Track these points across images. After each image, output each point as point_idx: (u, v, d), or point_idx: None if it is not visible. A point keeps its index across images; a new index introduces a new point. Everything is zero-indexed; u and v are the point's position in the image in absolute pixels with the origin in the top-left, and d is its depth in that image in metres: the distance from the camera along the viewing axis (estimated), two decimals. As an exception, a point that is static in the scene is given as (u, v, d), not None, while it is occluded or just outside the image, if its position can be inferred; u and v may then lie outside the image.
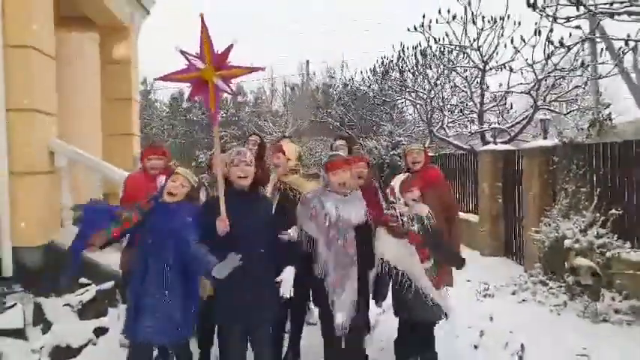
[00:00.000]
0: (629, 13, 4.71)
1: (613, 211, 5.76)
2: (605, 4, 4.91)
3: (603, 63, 8.90)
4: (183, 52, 3.13)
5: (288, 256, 3.33)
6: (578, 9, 5.02)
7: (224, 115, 35.34)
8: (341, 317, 3.27)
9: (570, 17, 5.07)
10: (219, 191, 3.19)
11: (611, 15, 4.85)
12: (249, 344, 3.35)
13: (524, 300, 6.01)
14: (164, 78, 3.19)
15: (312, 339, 4.14)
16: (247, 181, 3.28)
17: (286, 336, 4.20)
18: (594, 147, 6.26)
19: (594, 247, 5.69)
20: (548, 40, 6.89)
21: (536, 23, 6.18)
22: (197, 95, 3.18)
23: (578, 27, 5.42)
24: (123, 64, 8.55)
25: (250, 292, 3.16)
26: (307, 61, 31.78)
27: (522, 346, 4.42)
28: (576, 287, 5.69)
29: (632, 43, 5.92)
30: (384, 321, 4.75)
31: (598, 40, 9.49)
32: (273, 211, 3.67)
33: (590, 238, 5.77)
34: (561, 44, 6.15)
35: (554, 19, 5.48)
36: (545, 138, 7.29)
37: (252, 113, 32.08)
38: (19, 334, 4.09)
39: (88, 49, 8.45)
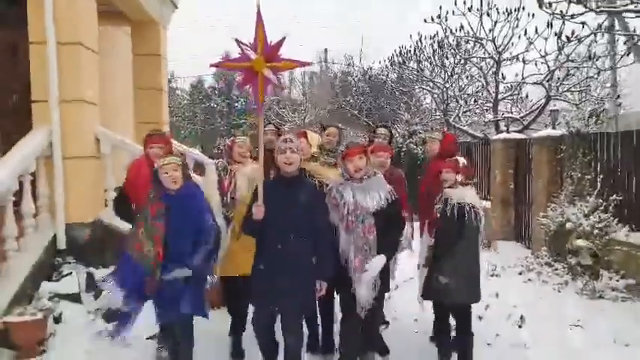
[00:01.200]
0: (632, 11, 5.04)
1: (614, 197, 6.14)
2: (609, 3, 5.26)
3: (618, 54, 9.12)
4: (238, 42, 3.18)
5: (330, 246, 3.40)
6: (585, 5, 5.33)
7: (244, 102, 35.91)
8: (363, 299, 3.39)
9: (574, 14, 5.43)
10: (258, 180, 3.29)
11: (614, 13, 5.20)
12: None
13: (529, 280, 6.44)
14: (218, 64, 3.34)
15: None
16: (293, 167, 3.33)
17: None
18: (598, 137, 6.62)
19: (595, 230, 6.09)
20: (557, 35, 7.20)
21: (549, 15, 6.48)
22: (247, 84, 3.25)
23: (583, 23, 5.78)
24: (153, 56, 9.02)
25: (286, 277, 3.22)
26: (325, 50, 31.89)
27: (522, 317, 4.87)
28: (578, 268, 6.09)
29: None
30: (399, 295, 5.25)
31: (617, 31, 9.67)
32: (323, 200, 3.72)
33: (592, 222, 6.16)
34: (568, 39, 6.48)
35: (562, 15, 5.85)
36: (554, 128, 7.60)
37: (271, 101, 32.50)
38: (75, 298, 4.65)
39: (121, 41, 8.96)
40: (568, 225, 6.30)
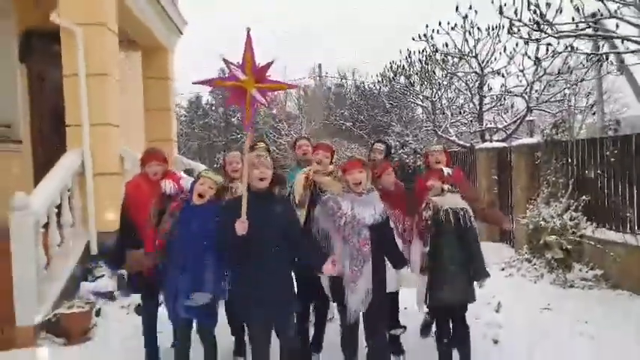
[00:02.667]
0: (587, 36, 5.81)
1: (583, 197, 6.88)
2: (567, 27, 6.06)
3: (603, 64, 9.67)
4: (226, 61, 3.28)
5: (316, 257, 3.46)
6: (544, 32, 6.11)
7: (239, 118, 36.61)
8: (354, 306, 3.49)
9: (538, 39, 6.20)
10: (242, 193, 3.26)
11: (571, 37, 5.99)
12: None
13: (510, 274, 7.15)
14: (206, 82, 3.36)
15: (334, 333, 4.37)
16: (265, 183, 3.36)
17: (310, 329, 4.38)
18: (569, 144, 7.37)
19: (567, 227, 6.81)
20: (527, 55, 8.00)
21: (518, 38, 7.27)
22: (234, 103, 3.36)
23: (548, 44, 6.54)
24: (161, 79, 9.80)
25: (267, 291, 3.26)
26: (319, 65, 32.75)
27: (499, 303, 5.56)
28: (553, 262, 6.81)
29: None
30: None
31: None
32: (305, 216, 3.93)
33: (565, 220, 6.89)
34: (537, 59, 7.27)
35: (528, 40, 6.64)
36: (531, 136, 8.36)
37: (267, 115, 33.10)
38: (110, 296, 5.34)
39: (134, 66, 9.71)
40: (543, 224, 7.03)
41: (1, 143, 6.30)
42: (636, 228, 5.86)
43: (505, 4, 7.04)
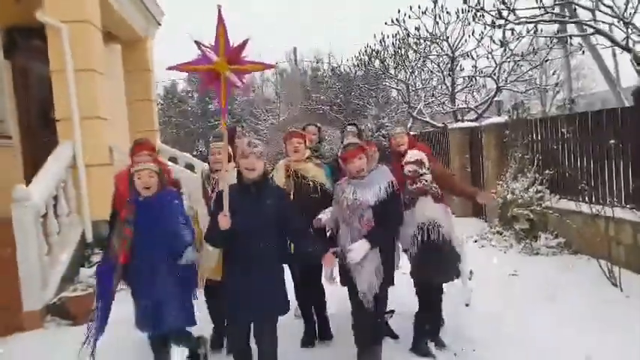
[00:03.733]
0: (546, 21, 6.27)
1: (547, 172, 7.39)
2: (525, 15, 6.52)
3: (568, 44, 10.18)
4: (197, 43, 3.09)
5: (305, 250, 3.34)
6: (506, 19, 6.54)
7: (216, 104, 36.55)
8: (362, 288, 3.45)
9: (501, 25, 6.64)
10: (224, 185, 3.15)
11: (530, 22, 6.43)
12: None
13: (482, 246, 7.66)
14: (176, 67, 3.15)
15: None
16: (255, 174, 3.18)
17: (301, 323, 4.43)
18: (534, 122, 7.86)
19: (533, 200, 7.33)
20: (492, 40, 8.45)
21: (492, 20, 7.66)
22: (208, 87, 3.15)
23: (512, 29, 7.00)
24: (141, 70, 10.01)
25: (255, 286, 3.13)
26: (295, 48, 32.88)
27: (471, 271, 6.01)
28: (521, 232, 7.33)
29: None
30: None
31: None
32: (290, 201, 3.72)
33: (531, 194, 7.41)
34: (502, 43, 7.71)
35: (492, 25, 7.07)
36: (499, 115, 8.84)
37: (244, 102, 33.04)
38: (108, 280, 5.70)
39: (114, 59, 9.88)
40: (511, 198, 7.54)
41: (-6, 139, 6.50)
42: (593, 198, 6.37)
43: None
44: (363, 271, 3.45)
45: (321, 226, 3.81)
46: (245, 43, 3.08)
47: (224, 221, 3.05)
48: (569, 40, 8.64)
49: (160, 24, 10.47)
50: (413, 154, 4.01)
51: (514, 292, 5.37)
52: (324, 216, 3.80)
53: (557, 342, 4.07)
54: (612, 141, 5.68)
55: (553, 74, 12.09)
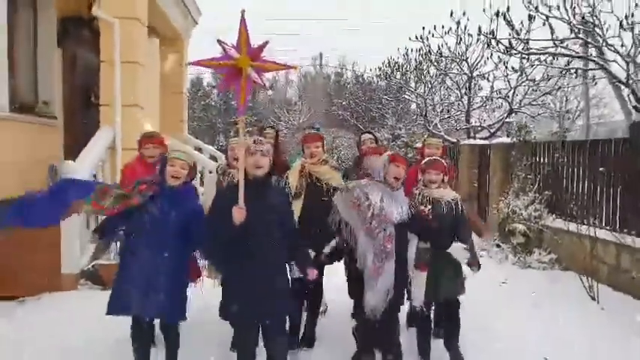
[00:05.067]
0: (551, 54, 6.78)
1: (545, 192, 7.88)
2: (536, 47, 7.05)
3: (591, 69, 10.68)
4: (220, 42, 3.14)
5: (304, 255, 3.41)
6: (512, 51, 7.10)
7: (237, 100, 37.17)
8: (372, 303, 3.39)
9: (516, 53, 7.17)
10: (239, 180, 3.12)
11: (538, 54, 6.96)
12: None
13: (480, 256, 8.11)
14: (198, 63, 3.23)
15: (326, 325, 4.57)
16: (262, 172, 3.20)
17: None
18: (537, 145, 8.35)
19: (531, 218, 7.82)
20: (504, 64, 8.98)
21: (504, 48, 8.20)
22: (229, 84, 3.19)
23: (524, 57, 7.50)
24: (177, 65, 10.70)
25: (261, 284, 3.10)
26: (320, 54, 33.50)
27: (465, 277, 6.55)
28: (517, 247, 7.83)
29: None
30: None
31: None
32: (302, 204, 3.88)
33: (530, 211, 7.90)
34: (514, 70, 8.24)
35: (506, 51, 7.61)
36: (508, 137, 9.33)
37: (268, 101, 33.58)
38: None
39: (152, 52, 10.57)
40: (511, 214, 8.04)
41: (42, 118, 7.16)
42: (584, 220, 6.84)
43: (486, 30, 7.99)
44: (377, 287, 3.36)
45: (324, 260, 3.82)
46: (265, 44, 3.18)
47: (239, 213, 3.01)
48: (580, 70, 9.10)
49: (197, 23, 11.16)
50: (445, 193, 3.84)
51: (502, 298, 5.88)
52: (328, 249, 3.79)
53: (524, 339, 4.56)
54: (602, 169, 6.18)
55: (565, 100, 12.51)
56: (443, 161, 3.97)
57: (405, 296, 3.78)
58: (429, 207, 3.72)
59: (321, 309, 4.65)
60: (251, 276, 3.11)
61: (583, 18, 7.20)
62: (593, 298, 5.69)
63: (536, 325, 4.93)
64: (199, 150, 10.58)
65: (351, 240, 3.49)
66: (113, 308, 3.32)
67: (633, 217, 5.96)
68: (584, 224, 6.50)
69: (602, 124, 24.87)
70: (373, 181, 3.48)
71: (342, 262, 4.22)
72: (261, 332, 3.25)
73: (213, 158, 10.71)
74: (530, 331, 4.75)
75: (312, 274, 3.32)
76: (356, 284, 3.65)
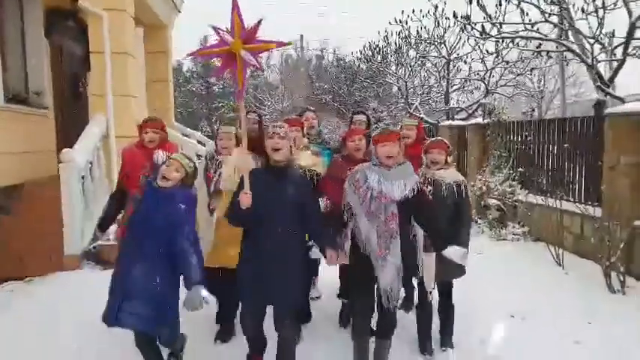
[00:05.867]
0: (522, 37, 7.19)
1: (519, 169, 8.36)
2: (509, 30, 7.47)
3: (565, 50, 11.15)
4: (215, 28, 3.12)
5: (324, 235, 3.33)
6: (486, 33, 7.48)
7: (222, 86, 37.28)
8: (385, 285, 3.29)
9: (490, 37, 7.57)
10: (244, 166, 3.16)
11: (510, 38, 7.37)
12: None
13: (458, 231, 8.63)
14: (196, 53, 3.31)
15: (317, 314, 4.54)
16: (281, 155, 3.18)
17: None
18: (510, 124, 8.82)
19: (506, 193, 8.30)
20: (478, 48, 9.37)
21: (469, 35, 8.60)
22: (226, 69, 3.17)
23: (497, 40, 7.90)
24: (161, 53, 10.91)
25: (275, 271, 3.12)
26: (301, 36, 33.44)
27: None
28: (493, 221, 8.31)
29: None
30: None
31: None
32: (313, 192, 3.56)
33: (505, 187, 8.38)
34: (488, 52, 8.65)
35: (481, 35, 8.01)
36: (484, 118, 9.78)
37: (249, 86, 33.52)
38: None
39: (137, 41, 10.76)
40: (486, 190, 8.52)
41: (34, 108, 7.38)
42: (552, 194, 7.34)
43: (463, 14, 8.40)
44: (386, 267, 3.28)
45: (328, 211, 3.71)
46: (259, 23, 3.13)
47: (245, 199, 3.03)
48: (547, 55, 9.58)
49: (179, 11, 11.35)
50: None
51: (476, 266, 6.34)
52: (322, 203, 3.73)
53: (495, 300, 5.02)
54: (566, 145, 6.65)
55: (543, 80, 13.01)
56: (446, 141, 3.93)
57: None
58: (430, 188, 3.64)
59: (315, 295, 4.75)
60: (265, 260, 3.12)
61: (552, 3, 7.60)
62: (559, 264, 6.20)
63: (506, 288, 5.40)
64: (186, 136, 10.85)
65: (354, 225, 3.39)
66: (104, 317, 3.23)
67: (594, 189, 6.45)
68: (551, 197, 6.99)
69: (578, 102, 25.55)
70: (371, 164, 3.38)
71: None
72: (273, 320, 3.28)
73: (201, 144, 10.99)
74: (500, 293, 5.21)
75: (332, 258, 3.28)
76: (349, 267, 3.50)
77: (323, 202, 3.81)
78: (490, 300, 5.01)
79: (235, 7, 3.10)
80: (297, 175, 3.40)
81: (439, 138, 4.03)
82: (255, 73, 35.78)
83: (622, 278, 5.26)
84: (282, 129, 3.23)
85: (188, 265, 3.09)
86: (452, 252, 3.44)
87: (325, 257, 3.36)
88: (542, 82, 23.68)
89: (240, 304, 3.50)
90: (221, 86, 37.91)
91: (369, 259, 3.32)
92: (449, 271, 3.82)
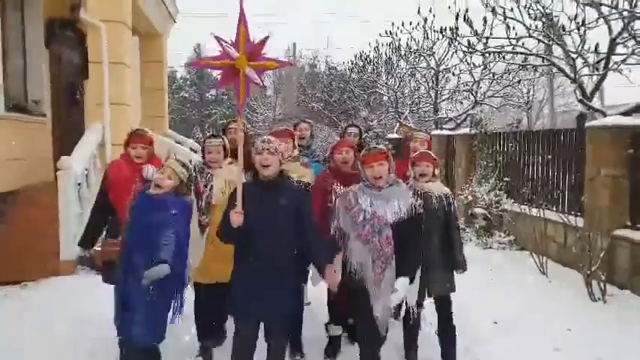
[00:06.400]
0: (511, 52, 7.46)
1: (505, 179, 8.60)
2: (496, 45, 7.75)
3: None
4: (218, 38, 3.02)
5: (324, 253, 3.22)
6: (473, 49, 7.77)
7: (215, 93, 37.42)
8: (380, 313, 3.19)
9: (476, 51, 7.84)
10: (237, 182, 3.05)
11: (495, 52, 7.65)
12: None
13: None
14: (196, 63, 4.05)
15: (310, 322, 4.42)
16: (270, 170, 3.08)
17: None
18: (497, 135, 9.07)
19: (492, 202, 8.53)
20: (464, 61, 9.64)
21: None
22: (227, 83, 3.09)
23: (483, 54, 8.18)
24: (156, 62, 11.08)
25: (269, 287, 3.05)
26: (294, 44, 33.69)
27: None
28: (480, 229, 8.53)
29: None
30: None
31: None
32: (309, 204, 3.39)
33: (491, 197, 8.61)
34: (475, 65, 8.92)
35: (467, 49, 8.28)
36: (471, 128, 10.03)
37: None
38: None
39: (133, 51, 10.92)
40: (469, 197, 8.75)
41: (33, 116, 7.53)
42: (535, 203, 7.58)
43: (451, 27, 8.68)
44: (381, 294, 3.16)
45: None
46: (265, 40, 3.05)
47: (236, 218, 2.98)
48: (534, 69, 9.88)
49: (175, 21, 11.54)
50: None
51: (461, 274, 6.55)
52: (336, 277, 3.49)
53: (479, 306, 5.19)
54: (549, 156, 6.89)
55: (533, 90, 13.32)
56: (432, 154, 3.91)
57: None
58: (420, 201, 3.48)
59: (306, 302, 4.67)
60: (258, 275, 3.05)
61: (536, 18, 7.88)
62: (542, 273, 6.41)
63: (490, 296, 5.60)
64: (180, 144, 11.01)
65: (344, 246, 3.28)
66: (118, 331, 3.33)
67: (576, 199, 6.69)
68: (535, 207, 7.22)
69: (567, 112, 25.98)
70: (363, 185, 3.28)
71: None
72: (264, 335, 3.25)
73: (194, 151, 11.15)
74: (484, 301, 5.40)
75: (332, 278, 3.19)
76: (353, 291, 3.30)
77: None
78: (474, 307, 5.16)
79: (242, 18, 3.01)
80: (291, 185, 3.37)
81: (426, 150, 4.05)
82: (260, 88, 35.76)
83: (603, 287, 5.46)
84: (271, 144, 3.13)
85: (162, 248, 3.03)
86: (399, 283, 3.19)
87: (324, 277, 3.23)
88: (531, 92, 24.15)
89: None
90: (214, 94, 38.12)
91: (363, 285, 3.21)
92: (435, 285, 3.68)
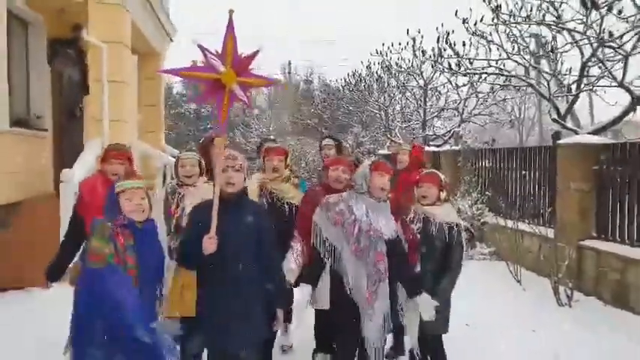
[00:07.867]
0: (490, 74, 7.95)
1: (487, 193, 9.00)
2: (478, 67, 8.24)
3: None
4: (201, 48, 2.79)
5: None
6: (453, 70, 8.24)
7: (209, 109, 37.85)
8: (372, 337, 2.99)
9: (458, 73, 8.34)
10: (213, 205, 2.82)
11: (476, 74, 8.13)
12: None
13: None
14: (176, 72, 2.91)
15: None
16: (234, 189, 2.91)
17: None
18: (480, 151, 9.50)
19: (475, 215, 8.92)
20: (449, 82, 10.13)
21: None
22: (209, 98, 2.89)
23: (468, 74, 8.69)
24: (154, 79, 11.49)
25: (237, 312, 2.86)
26: (289, 62, 34.36)
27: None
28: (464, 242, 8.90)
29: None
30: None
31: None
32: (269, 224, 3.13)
33: (474, 210, 9.01)
34: (464, 84, 9.40)
35: (449, 72, 8.77)
36: (456, 145, 10.49)
37: (238, 108, 34.11)
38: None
39: (132, 68, 11.33)
40: (458, 212, 9.13)
41: (35, 131, 7.89)
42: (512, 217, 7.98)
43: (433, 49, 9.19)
44: (374, 315, 2.96)
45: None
46: (255, 54, 2.88)
47: (209, 245, 2.76)
48: (517, 89, 10.39)
49: (172, 40, 11.97)
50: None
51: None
52: (293, 266, 3.39)
53: (453, 308, 5.53)
54: (524, 172, 7.31)
55: (524, 108, 13.82)
56: (439, 174, 3.54)
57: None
58: (419, 225, 3.28)
59: (286, 343, 4.49)
60: (224, 302, 2.85)
61: (514, 41, 8.37)
62: (518, 281, 6.78)
63: (466, 302, 5.93)
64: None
65: (335, 264, 3.03)
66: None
67: (548, 211, 7.10)
68: (511, 219, 7.63)
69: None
70: (356, 193, 3.06)
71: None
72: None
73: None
74: (460, 307, 5.72)
75: (279, 320, 3.03)
76: (345, 315, 3.08)
77: (294, 253, 3.47)
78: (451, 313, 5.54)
79: (231, 29, 2.82)
80: (253, 204, 3.22)
81: (432, 170, 3.74)
82: (245, 107, 36.19)
83: (570, 293, 5.84)
84: (236, 161, 2.93)
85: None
86: (421, 299, 3.04)
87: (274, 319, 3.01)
88: (522, 111, 24.78)
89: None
90: (210, 109, 38.51)
91: (353, 303, 3.00)
92: (429, 324, 3.25)
